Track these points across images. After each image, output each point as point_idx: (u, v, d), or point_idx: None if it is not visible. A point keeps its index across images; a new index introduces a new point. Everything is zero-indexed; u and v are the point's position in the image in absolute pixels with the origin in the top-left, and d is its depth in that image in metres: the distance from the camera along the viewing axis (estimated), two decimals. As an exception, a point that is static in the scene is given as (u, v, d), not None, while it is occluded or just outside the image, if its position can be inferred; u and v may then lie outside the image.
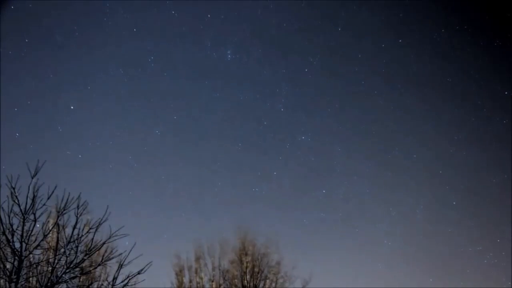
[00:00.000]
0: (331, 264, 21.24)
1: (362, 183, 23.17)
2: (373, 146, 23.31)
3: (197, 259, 17.85)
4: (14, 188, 7.98)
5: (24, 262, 8.13)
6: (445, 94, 22.49)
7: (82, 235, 8.57)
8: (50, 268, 8.62)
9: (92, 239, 8.64)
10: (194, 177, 22.88)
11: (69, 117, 19.64)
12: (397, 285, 20.34)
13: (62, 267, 8.39)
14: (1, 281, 8.02)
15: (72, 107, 19.52)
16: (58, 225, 8.69)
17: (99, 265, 9.19)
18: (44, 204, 8.15)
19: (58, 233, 8.83)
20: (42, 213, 8.21)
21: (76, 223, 8.48)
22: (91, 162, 20.25)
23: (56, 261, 8.45)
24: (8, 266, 8.08)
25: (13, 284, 7.83)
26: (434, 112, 23.01)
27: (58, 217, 8.59)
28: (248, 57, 22.28)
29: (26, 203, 8.05)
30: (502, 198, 21.30)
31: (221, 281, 17.53)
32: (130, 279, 8.63)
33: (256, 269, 17.58)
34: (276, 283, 17.50)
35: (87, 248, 8.71)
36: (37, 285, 8.59)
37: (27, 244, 8.08)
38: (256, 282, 17.41)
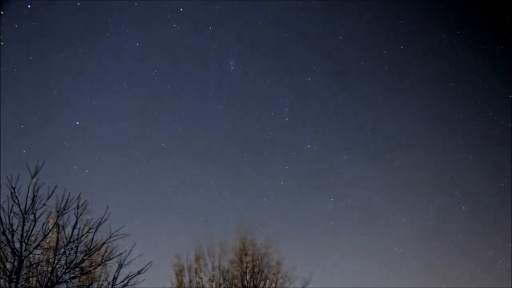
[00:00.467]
0: (343, 274, 20.97)
1: (369, 191, 23.09)
2: (379, 153, 23.31)
3: (197, 259, 17.84)
4: (14, 188, 7.98)
5: (24, 262, 8.13)
6: (449, 99, 22.51)
7: (82, 235, 8.58)
8: (50, 268, 8.62)
9: (92, 239, 8.67)
10: (201, 190, 22.83)
11: (75, 132, 19.70)
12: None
13: (62, 267, 8.40)
14: (1, 281, 8.02)
15: (77, 123, 19.60)
16: (58, 225, 8.69)
17: (99, 265, 9.19)
18: (44, 204, 8.17)
19: (58, 233, 8.83)
20: (42, 213, 8.23)
21: (76, 223, 8.50)
22: (98, 176, 20.27)
23: (56, 261, 8.45)
24: (8, 266, 8.07)
25: (13, 284, 7.83)
26: (439, 117, 23.01)
27: (58, 217, 8.59)
28: (250, 67, 22.40)
29: (26, 203, 8.07)
30: (512, 202, 21.16)
31: (221, 281, 17.53)
32: (130, 279, 8.65)
33: (256, 269, 17.58)
34: (276, 283, 17.51)
35: (87, 248, 8.72)
36: (37, 285, 8.59)
37: (27, 244, 8.08)
38: (256, 282, 17.41)
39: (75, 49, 19.44)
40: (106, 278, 10.52)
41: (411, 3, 21.19)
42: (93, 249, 8.68)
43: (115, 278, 8.73)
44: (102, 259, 8.93)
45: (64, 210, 8.48)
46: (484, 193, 22.30)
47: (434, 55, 22.07)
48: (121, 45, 20.41)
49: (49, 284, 8.24)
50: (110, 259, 8.90)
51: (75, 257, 8.43)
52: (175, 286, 17.53)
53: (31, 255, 8.69)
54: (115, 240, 8.68)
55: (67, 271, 8.36)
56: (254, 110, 22.79)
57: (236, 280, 17.56)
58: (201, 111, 22.76)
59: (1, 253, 7.94)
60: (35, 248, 8.29)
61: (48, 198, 8.16)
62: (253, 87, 22.69)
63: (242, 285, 17.39)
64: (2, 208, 7.90)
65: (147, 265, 8.76)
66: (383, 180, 23.23)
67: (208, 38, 21.13)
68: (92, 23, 19.80)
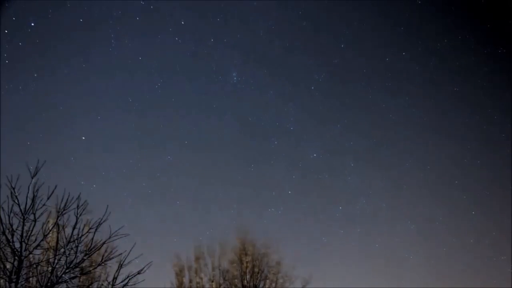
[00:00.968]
0: (355, 283, 20.97)
1: (378, 198, 23.04)
2: (386, 159, 23.37)
3: (197, 259, 17.85)
4: (14, 188, 7.98)
5: (24, 262, 8.13)
6: (454, 103, 22.54)
7: (82, 235, 8.58)
8: (50, 268, 8.61)
9: (92, 239, 8.66)
10: (207, 202, 22.84)
11: (81, 147, 19.79)
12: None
13: (62, 267, 8.39)
14: (1, 281, 8.02)
15: (83, 138, 19.66)
16: (58, 225, 8.69)
17: (99, 265, 9.19)
18: (44, 204, 8.16)
19: (58, 233, 8.82)
20: (42, 213, 8.23)
21: (76, 223, 8.49)
22: (106, 192, 20.32)
23: (56, 261, 8.44)
24: (8, 266, 8.07)
25: (13, 284, 7.83)
26: (444, 122, 23.08)
27: (58, 217, 8.59)
28: (253, 78, 22.48)
29: (26, 203, 8.07)
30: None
31: (221, 281, 17.53)
32: (130, 279, 8.64)
33: (256, 269, 17.58)
34: (276, 283, 17.51)
35: (87, 248, 8.71)
36: (37, 285, 8.58)
37: (27, 244, 8.07)
38: (256, 282, 17.42)
39: (79, 64, 19.77)
40: (106, 278, 10.48)
41: (412, 10, 21.31)
42: (93, 249, 8.67)
43: (115, 278, 8.73)
44: (102, 259, 8.92)
45: (64, 210, 8.47)
46: (493, 197, 22.23)
47: (436, 60, 22.21)
48: (124, 59, 20.66)
49: (49, 284, 8.23)
50: (110, 259, 8.89)
51: (75, 257, 8.43)
52: (175, 286, 17.56)
53: (31, 255, 8.68)
54: (115, 240, 8.69)
55: (67, 271, 8.35)
56: (258, 120, 22.96)
57: (236, 280, 17.57)
58: (206, 123, 22.92)
59: (1, 253, 7.93)
60: (35, 248, 8.28)
61: (48, 198, 8.17)
62: (256, 97, 22.85)
63: (242, 285, 17.40)
64: (2, 208, 7.90)
65: (147, 265, 8.78)
66: (390, 186, 23.25)
67: (210, 50, 21.39)
68: (95, 38, 20.11)
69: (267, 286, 17.52)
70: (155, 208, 21.64)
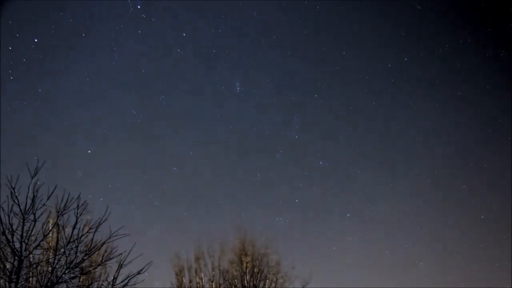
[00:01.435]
0: None
1: (386, 204, 22.85)
2: (392, 166, 23.19)
3: (197, 259, 17.85)
4: (14, 188, 7.98)
5: (24, 262, 8.13)
6: (459, 107, 22.39)
7: (82, 235, 8.58)
8: (50, 268, 8.62)
9: (92, 239, 8.67)
10: (215, 211, 22.70)
11: (87, 161, 19.75)
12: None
13: (62, 267, 8.39)
14: (1, 281, 8.02)
15: (89, 151, 19.67)
16: (58, 225, 8.70)
17: (99, 265, 9.20)
18: (44, 204, 8.16)
19: (58, 233, 8.83)
20: (42, 213, 8.22)
21: (76, 223, 8.50)
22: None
23: (56, 261, 8.45)
24: (8, 266, 8.07)
25: (13, 284, 7.83)
26: (449, 127, 22.94)
27: (58, 217, 8.60)
28: (257, 88, 22.42)
29: (26, 203, 8.06)
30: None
31: (221, 281, 17.53)
32: (130, 279, 8.65)
33: (256, 269, 17.59)
34: (276, 283, 17.52)
35: (87, 248, 8.72)
36: (37, 285, 8.59)
37: (27, 244, 8.07)
38: (256, 282, 17.42)
39: (83, 79, 19.78)
40: (106, 278, 10.50)
41: (412, 14, 21.27)
42: (93, 249, 8.68)
43: (115, 278, 8.74)
44: (102, 259, 8.93)
45: (64, 210, 8.48)
46: (502, 201, 21.92)
47: (438, 64, 22.14)
48: (127, 73, 20.74)
49: (49, 284, 8.24)
50: (110, 259, 8.90)
51: (75, 257, 8.43)
52: (175, 286, 17.55)
53: (31, 255, 8.69)
54: (115, 240, 8.70)
55: (67, 271, 8.36)
56: (263, 130, 22.71)
57: (236, 280, 17.57)
58: (211, 134, 22.83)
59: (1, 253, 7.93)
60: (35, 248, 8.28)
61: (48, 198, 8.17)
62: (260, 107, 22.78)
63: (242, 285, 17.39)
64: (2, 208, 7.90)
65: (147, 265, 8.78)
66: (398, 192, 23.05)
67: (213, 61, 21.38)
68: (97, 52, 20.16)
69: (266, 286, 17.54)
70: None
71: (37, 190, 8.13)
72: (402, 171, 23.09)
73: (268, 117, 22.81)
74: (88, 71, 19.68)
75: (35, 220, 8.13)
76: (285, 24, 21.73)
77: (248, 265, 17.70)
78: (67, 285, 8.51)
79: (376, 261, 22.11)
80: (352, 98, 23.05)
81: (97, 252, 8.99)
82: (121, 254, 8.72)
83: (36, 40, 17.46)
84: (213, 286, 17.53)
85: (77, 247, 8.48)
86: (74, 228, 8.49)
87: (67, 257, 8.42)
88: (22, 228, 8.01)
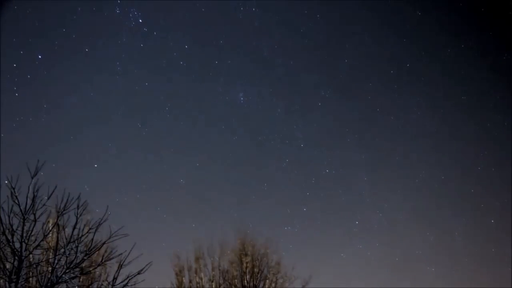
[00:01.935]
0: None
1: (394, 210, 22.77)
2: (399, 172, 23.15)
3: (197, 259, 17.85)
4: (14, 188, 7.98)
5: (24, 262, 8.13)
6: (464, 112, 22.51)
7: (82, 235, 8.58)
8: (50, 268, 8.62)
9: (92, 239, 8.67)
10: (222, 220, 22.84)
11: (94, 175, 19.79)
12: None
13: (62, 267, 8.39)
14: (1, 281, 8.02)
15: (96, 166, 19.76)
16: (58, 225, 8.70)
17: (99, 265, 9.21)
18: (44, 204, 8.17)
19: (58, 233, 8.83)
20: (42, 213, 8.23)
21: (76, 223, 8.50)
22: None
23: (56, 261, 8.45)
24: (8, 266, 8.07)
25: (13, 284, 7.83)
26: (455, 131, 22.94)
27: (58, 217, 8.60)
28: (260, 97, 22.53)
29: (26, 203, 8.06)
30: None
31: (221, 281, 17.53)
32: (130, 279, 8.64)
33: (256, 269, 17.59)
34: (276, 283, 17.52)
35: (87, 248, 8.72)
36: (37, 285, 8.59)
37: (27, 244, 8.07)
38: (256, 282, 17.42)
39: (87, 93, 19.97)
40: (106, 278, 10.52)
41: (413, 22, 21.40)
42: (93, 249, 8.68)
43: (115, 278, 8.73)
44: (102, 259, 8.93)
45: (64, 210, 8.48)
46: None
47: (441, 70, 22.25)
48: (131, 86, 20.83)
49: (49, 284, 8.24)
50: (110, 259, 8.91)
51: (75, 257, 8.43)
52: (175, 286, 17.54)
53: (31, 255, 8.68)
54: (115, 240, 8.70)
55: (67, 271, 8.35)
56: (268, 139, 22.80)
57: (236, 280, 17.57)
58: (216, 145, 22.92)
59: (1, 253, 7.93)
60: (35, 248, 8.29)
61: (48, 198, 8.18)
62: (264, 116, 22.86)
63: (242, 285, 17.40)
64: (2, 208, 7.90)
65: (147, 265, 8.78)
66: (406, 198, 23.01)
67: (215, 72, 21.47)
68: (101, 67, 20.28)
69: (266, 286, 17.54)
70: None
71: (37, 190, 8.13)
72: (409, 177, 23.07)
73: (272, 126, 22.94)
74: (93, 85, 19.98)
75: (35, 220, 8.13)
76: (287, 33, 21.97)
77: (248, 265, 17.70)
78: (67, 285, 8.52)
79: (387, 268, 22.03)
80: (356, 106, 23.29)
81: (97, 252, 8.99)
82: (121, 254, 8.73)
83: (40, 57, 17.73)
84: (213, 286, 17.53)
85: (77, 247, 8.48)
86: (74, 228, 8.50)
87: (67, 257, 8.42)
88: (22, 228, 8.02)
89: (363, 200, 22.77)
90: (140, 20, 19.23)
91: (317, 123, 22.96)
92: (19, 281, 7.95)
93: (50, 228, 9.00)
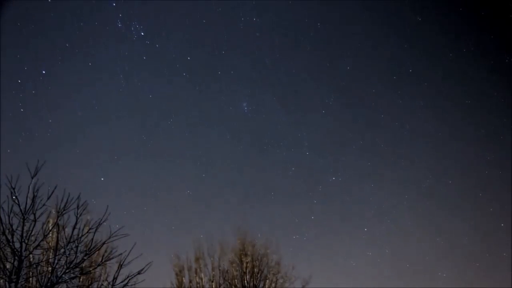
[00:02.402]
0: None
1: (402, 217, 22.67)
2: (406, 177, 23.06)
3: (197, 259, 17.85)
4: (14, 188, 7.98)
5: (24, 262, 8.13)
6: (468, 116, 22.45)
7: (82, 235, 8.59)
8: (50, 268, 8.62)
9: (92, 239, 8.67)
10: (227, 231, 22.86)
11: (99, 188, 19.74)
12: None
13: (62, 267, 8.40)
14: (1, 281, 8.02)
15: (102, 179, 19.81)
16: (58, 225, 8.70)
17: (99, 265, 9.22)
18: (44, 204, 8.16)
19: (58, 233, 8.84)
20: (42, 213, 8.23)
21: (76, 223, 8.50)
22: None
23: (56, 261, 8.45)
24: (8, 266, 8.07)
25: (13, 284, 7.83)
26: (461, 135, 22.89)
27: (58, 217, 8.60)
28: (264, 107, 22.56)
29: (26, 203, 8.07)
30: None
31: (221, 281, 17.53)
32: (130, 279, 8.65)
33: (256, 270, 17.59)
34: (276, 283, 17.52)
35: (87, 248, 8.72)
36: (37, 285, 8.59)
37: (27, 244, 8.07)
38: (256, 282, 17.42)
39: (92, 107, 20.10)
40: (106, 278, 10.51)
41: (414, 27, 21.40)
42: (93, 249, 8.68)
43: (115, 278, 8.74)
44: (102, 259, 8.94)
45: (64, 210, 8.48)
46: None
47: (444, 74, 22.22)
48: (134, 98, 20.98)
49: (49, 284, 8.24)
50: (110, 259, 8.91)
51: (75, 257, 8.43)
52: (175, 286, 17.54)
53: (31, 255, 8.69)
54: (115, 240, 8.70)
55: (67, 271, 8.36)
56: (273, 148, 22.76)
57: (236, 280, 17.57)
58: (221, 155, 22.86)
59: (1, 253, 7.93)
60: (35, 248, 8.29)
61: (48, 198, 8.17)
62: (269, 125, 22.84)
63: (242, 285, 17.40)
64: (2, 208, 7.90)
65: (147, 265, 8.78)
66: (413, 204, 22.87)
67: (218, 82, 21.59)
68: (104, 80, 20.43)
69: (267, 286, 17.54)
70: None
71: (37, 190, 8.14)
72: (416, 182, 23.00)
73: (277, 135, 22.92)
74: (96, 99, 20.10)
75: (35, 220, 8.13)
76: (288, 43, 22.01)
77: (248, 265, 17.70)
78: (67, 285, 8.52)
79: (397, 275, 21.84)
80: (360, 112, 23.27)
81: (97, 252, 9.01)
82: (121, 254, 8.74)
83: (44, 72, 17.85)
84: (213, 286, 17.53)
85: (77, 247, 8.48)
86: (74, 228, 8.51)
87: (67, 257, 8.42)
88: (22, 228, 8.02)
89: (371, 207, 22.66)
90: (142, 33, 19.38)
91: (322, 131, 22.97)
92: (19, 281, 7.95)
93: (50, 228, 9.00)
